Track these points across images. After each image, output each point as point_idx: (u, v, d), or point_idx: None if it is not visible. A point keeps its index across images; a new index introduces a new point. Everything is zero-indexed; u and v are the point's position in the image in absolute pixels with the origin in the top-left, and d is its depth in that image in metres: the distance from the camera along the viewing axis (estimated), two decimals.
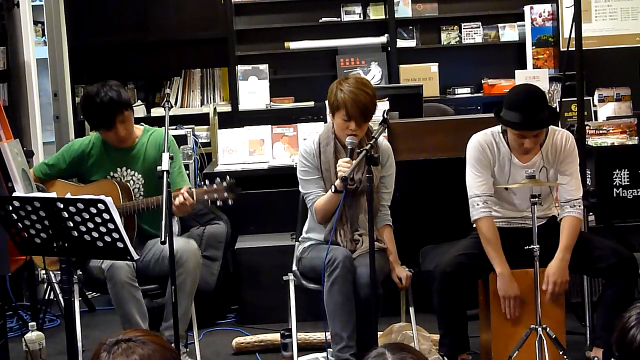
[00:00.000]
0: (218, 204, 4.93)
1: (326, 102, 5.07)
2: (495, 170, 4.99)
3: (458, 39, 9.21)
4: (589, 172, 5.75)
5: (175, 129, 7.36)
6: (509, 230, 5.01)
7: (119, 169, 5.27)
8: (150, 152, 5.28)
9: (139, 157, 5.28)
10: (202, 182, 5.02)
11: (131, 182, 5.27)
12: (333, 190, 4.82)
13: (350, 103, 4.83)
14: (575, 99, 5.81)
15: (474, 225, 5.00)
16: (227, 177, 4.91)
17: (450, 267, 4.88)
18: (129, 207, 5.12)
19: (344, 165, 4.73)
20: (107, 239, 4.08)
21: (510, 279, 4.88)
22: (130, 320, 4.94)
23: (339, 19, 9.11)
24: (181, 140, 7.04)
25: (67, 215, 4.02)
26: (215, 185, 4.90)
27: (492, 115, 4.98)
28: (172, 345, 4.69)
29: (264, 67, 8.92)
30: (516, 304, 4.88)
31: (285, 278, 5.20)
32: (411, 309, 5.10)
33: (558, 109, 6.16)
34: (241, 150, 6.72)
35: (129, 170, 5.27)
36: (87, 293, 6.56)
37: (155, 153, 5.22)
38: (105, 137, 5.25)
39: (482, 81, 9.08)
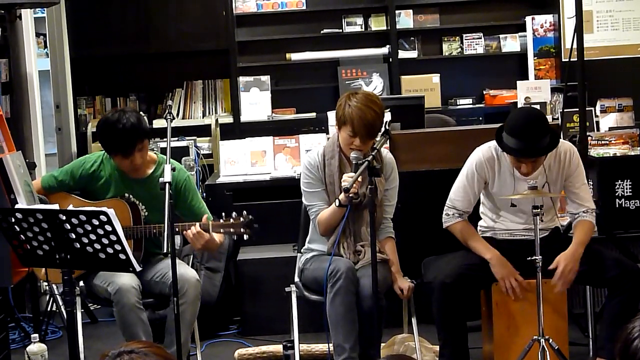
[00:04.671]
0: (233, 237, 4.94)
1: (328, 113, 5.08)
2: (495, 184, 5.00)
3: (459, 49, 9.22)
4: (591, 183, 5.74)
5: (177, 140, 7.36)
6: (512, 242, 5.02)
7: (126, 194, 5.21)
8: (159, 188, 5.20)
9: (148, 190, 5.18)
10: (221, 217, 4.99)
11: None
12: (337, 204, 4.82)
13: (356, 120, 4.82)
14: (577, 109, 5.81)
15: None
16: (244, 212, 4.91)
17: (449, 278, 4.88)
18: (140, 230, 5.08)
19: (349, 181, 4.72)
20: (109, 250, 4.08)
21: (503, 260, 4.90)
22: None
23: (341, 30, 9.13)
24: (183, 151, 7.03)
25: (69, 227, 4.02)
26: (232, 220, 4.89)
27: (494, 126, 4.98)
28: None
29: (266, 78, 8.93)
30: (516, 283, 4.88)
31: (287, 289, 5.19)
32: (413, 320, 5.09)
33: (560, 120, 6.17)
34: (243, 161, 6.71)
35: (134, 199, 5.22)
36: (89, 305, 6.56)
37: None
38: (119, 164, 5.14)
39: (484, 92, 9.08)
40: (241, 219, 4.89)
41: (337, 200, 4.83)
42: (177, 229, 4.86)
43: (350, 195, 4.60)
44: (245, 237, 4.92)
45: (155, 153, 5.41)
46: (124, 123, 5.00)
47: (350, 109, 4.85)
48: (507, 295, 4.90)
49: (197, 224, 4.93)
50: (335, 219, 4.93)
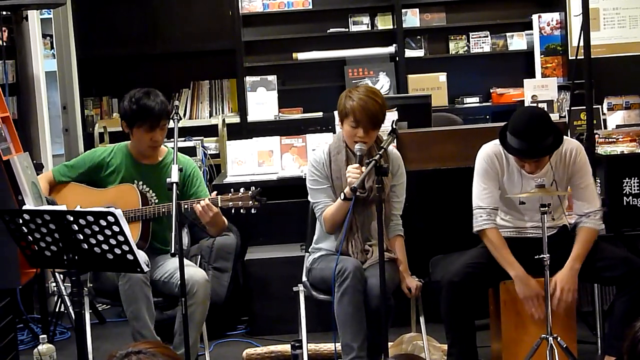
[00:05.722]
0: (242, 211, 4.97)
1: (335, 112, 5.08)
2: (504, 180, 4.99)
3: (466, 48, 9.21)
4: (599, 181, 5.73)
5: (184, 140, 7.37)
6: (519, 239, 5.01)
7: (135, 182, 5.27)
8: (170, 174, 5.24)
9: (158, 177, 5.27)
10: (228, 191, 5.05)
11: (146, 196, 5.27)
12: (342, 197, 4.82)
13: (358, 110, 4.85)
14: (584, 107, 5.80)
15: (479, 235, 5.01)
16: (253, 187, 4.97)
17: (457, 277, 4.87)
18: (149, 211, 5.13)
19: (353, 172, 4.74)
20: (117, 251, 4.08)
21: (527, 279, 4.85)
22: (139, 316, 4.93)
23: (347, 30, 9.13)
24: (190, 151, 7.04)
25: (76, 228, 4.03)
26: (240, 194, 4.94)
27: (501, 124, 4.97)
28: None
29: (273, 78, 8.93)
30: (540, 303, 4.84)
31: (295, 289, 5.19)
32: (421, 319, 5.09)
33: (567, 118, 6.16)
34: (250, 161, 6.71)
35: (144, 186, 5.27)
36: (97, 305, 6.56)
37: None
38: (138, 140, 5.24)
39: (491, 90, 9.07)
40: (249, 192, 4.95)
41: (342, 194, 4.83)
42: (186, 206, 4.99)
43: (353, 187, 4.61)
44: (253, 210, 4.96)
45: (164, 145, 5.46)
46: (154, 98, 5.18)
47: (352, 101, 4.88)
48: (533, 317, 4.88)
49: (206, 198, 5.03)
50: (341, 214, 4.92)
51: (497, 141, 4.97)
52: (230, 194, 4.98)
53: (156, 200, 5.26)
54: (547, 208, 4.64)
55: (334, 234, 5.04)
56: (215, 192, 5.10)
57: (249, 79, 8.90)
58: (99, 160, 5.35)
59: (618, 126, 6.44)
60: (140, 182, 5.28)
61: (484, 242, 4.98)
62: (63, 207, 4.30)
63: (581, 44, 5.67)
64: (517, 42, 9.16)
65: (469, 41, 9.19)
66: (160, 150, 5.37)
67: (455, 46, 9.22)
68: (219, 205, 4.99)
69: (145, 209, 5.14)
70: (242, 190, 4.97)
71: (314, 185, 5.09)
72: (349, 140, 4.98)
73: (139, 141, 5.26)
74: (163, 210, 5.13)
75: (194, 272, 5.03)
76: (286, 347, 5.71)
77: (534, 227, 4.99)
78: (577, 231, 4.95)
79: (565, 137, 5.01)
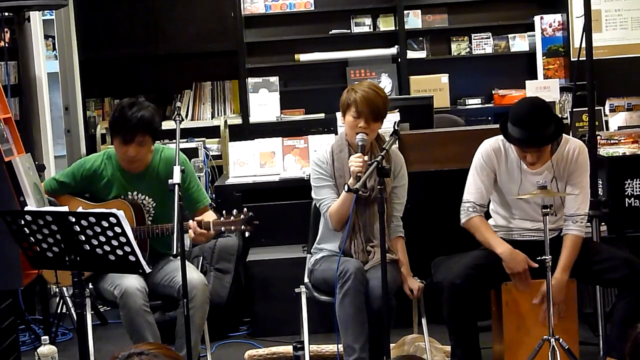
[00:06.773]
0: (235, 235, 4.95)
1: (337, 114, 5.09)
2: (502, 177, 4.99)
3: (468, 49, 9.21)
4: (601, 182, 5.73)
5: (186, 141, 7.37)
6: (522, 242, 5.00)
7: (129, 193, 5.21)
8: (162, 173, 5.15)
9: (150, 181, 5.20)
10: (221, 213, 5.00)
11: (142, 204, 5.22)
12: (346, 190, 4.79)
13: (360, 100, 4.88)
14: (587, 109, 5.80)
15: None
16: (245, 209, 4.92)
17: (459, 279, 4.87)
18: (143, 231, 5.09)
19: (356, 161, 4.75)
20: (119, 252, 4.08)
21: (515, 253, 4.87)
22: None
23: (349, 31, 9.13)
24: (192, 153, 7.04)
25: (78, 229, 4.03)
26: (232, 217, 4.90)
27: None
28: None
29: (275, 79, 8.94)
30: (528, 275, 4.84)
31: (297, 290, 5.19)
32: (423, 321, 5.09)
33: (569, 119, 6.15)
34: (252, 162, 6.72)
35: (140, 195, 5.20)
36: (99, 306, 6.56)
37: (167, 174, 5.03)
38: (116, 148, 5.14)
39: (493, 91, 9.08)
40: (242, 215, 4.89)
41: (346, 186, 4.80)
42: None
43: (358, 175, 4.60)
44: (247, 233, 4.94)
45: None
46: (134, 111, 5.01)
47: (354, 93, 4.93)
48: (520, 290, 4.88)
49: (195, 223, 4.93)
50: (346, 207, 4.89)
51: (498, 137, 4.98)
52: (222, 218, 4.92)
53: (153, 204, 5.20)
54: (549, 209, 4.64)
55: (340, 231, 5.02)
56: (204, 217, 5.04)
57: (251, 80, 8.90)
58: (90, 172, 5.23)
59: (620, 127, 6.44)
60: (135, 192, 5.21)
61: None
62: (65, 209, 4.30)
63: (583, 45, 5.66)
64: (519, 43, 9.16)
65: (471, 42, 9.20)
66: (146, 158, 5.24)
67: (457, 47, 9.22)
68: (211, 230, 4.95)
69: (139, 229, 5.06)
70: (234, 212, 4.91)
71: (318, 183, 5.08)
72: (351, 132, 4.98)
73: (116, 151, 5.17)
74: (157, 231, 5.07)
75: (192, 275, 4.99)
76: (288, 349, 5.71)
77: (535, 228, 4.99)
78: (564, 239, 4.93)
79: (569, 136, 5.02)
